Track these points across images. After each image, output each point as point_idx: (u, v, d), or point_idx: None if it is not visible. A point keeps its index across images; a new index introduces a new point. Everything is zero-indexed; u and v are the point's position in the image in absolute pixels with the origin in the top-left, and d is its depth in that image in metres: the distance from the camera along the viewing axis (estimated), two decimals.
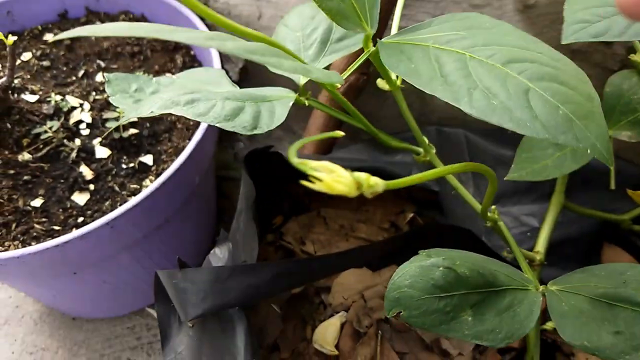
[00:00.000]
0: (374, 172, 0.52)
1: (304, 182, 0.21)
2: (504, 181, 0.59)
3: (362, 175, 0.22)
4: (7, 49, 0.54)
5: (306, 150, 0.65)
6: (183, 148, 0.62)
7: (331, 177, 0.21)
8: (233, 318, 0.40)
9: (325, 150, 0.64)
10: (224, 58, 0.69)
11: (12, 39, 0.54)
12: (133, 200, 0.51)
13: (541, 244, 0.48)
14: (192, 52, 0.70)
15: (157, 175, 0.59)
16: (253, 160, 0.49)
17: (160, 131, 0.63)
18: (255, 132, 0.35)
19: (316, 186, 0.21)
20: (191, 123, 0.64)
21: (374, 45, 0.32)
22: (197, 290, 0.38)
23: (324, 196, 0.58)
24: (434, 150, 0.44)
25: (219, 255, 0.45)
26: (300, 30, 0.44)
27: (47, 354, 0.74)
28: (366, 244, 0.43)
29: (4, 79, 0.57)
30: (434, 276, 0.32)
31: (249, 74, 0.75)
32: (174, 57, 0.69)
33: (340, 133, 0.28)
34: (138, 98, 0.42)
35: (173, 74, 0.68)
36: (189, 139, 0.63)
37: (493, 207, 0.43)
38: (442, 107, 0.66)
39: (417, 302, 0.31)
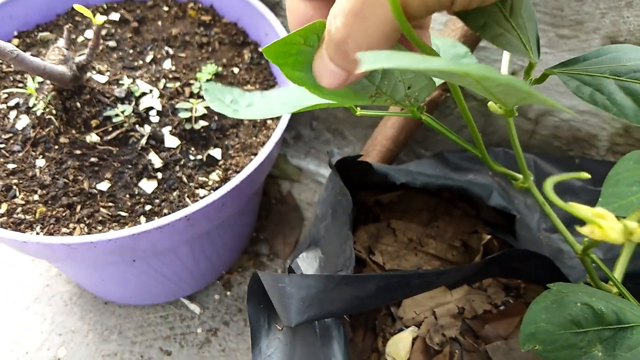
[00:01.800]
0: (456, 191, 0.52)
1: (581, 229, 0.21)
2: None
3: (633, 225, 0.22)
4: (94, 27, 0.53)
5: (369, 158, 0.65)
6: (250, 145, 0.61)
7: (606, 224, 0.21)
8: (330, 327, 0.40)
9: (388, 160, 0.64)
10: None
11: (101, 18, 0.53)
12: (214, 195, 0.51)
13: (617, 277, 0.49)
14: (259, 49, 0.69)
15: (225, 170, 0.59)
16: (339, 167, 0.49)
17: (228, 126, 0.62)
18: None
19: (588, 232, 0.21)
20: (258, 121, 0.64)
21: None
22: (304, 297, 0.38)
23: (394, 208, 0.58)
24: (532, 178, 0.44)
25: (308, 261, 0.44)
26: None
27: (77, 337, 0.73)
28: (461, 265, 0.43)
29: (83, 57, 0.56)
30: (572, 312, 0.32)
31: None
32: (242, 52, 0.69)
33: (586, 175, 0.28)
34: (235, 109, 0.41)
35: (240, 68, 0.67)
36: (255, 136, 0.62)
37: (585, 239, 0.43)
38: (506, 128, 0.66)
39: (553, 337, 0.32)
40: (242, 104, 0.41)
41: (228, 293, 0.76)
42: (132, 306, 0.75)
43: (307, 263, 0.44)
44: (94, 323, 0.74)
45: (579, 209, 0.21)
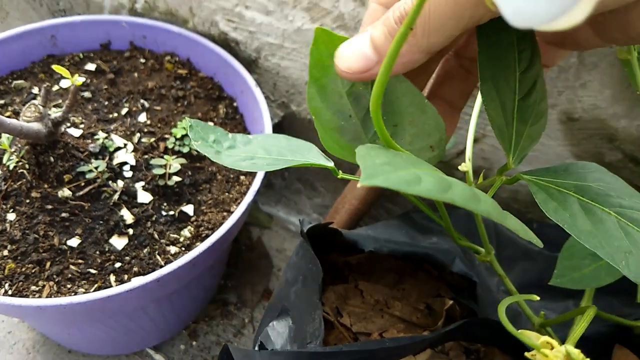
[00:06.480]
0: (420, 258, 0.54)
1: (529, 355, 0.23)
2: (527, 273, 0.63)
3: (575, 351, 0.24)
4: (71, 87, 0.54)
5: (338, 216, 0.67)
6: (223, 201, 0.62)
7: (552, 353, 0.23)
8: None
9: (352, 224, 0.66)
10: None
11: (80, 79, 0.54)
12: (186, 257, 0.52)
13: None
14: (234, 104, 0.71)
15: (197, 227, 0.60)
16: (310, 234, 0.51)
17: (201, 181, 0.63)
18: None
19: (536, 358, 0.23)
20: (231, 176, 0.65)
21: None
22: None
23: (362, 269, 0.60)
24: (493, 252, 0.47)
25: (279, 330, 0.46)
26: None
27: None
28: (428, 335, 0.45)
29: (59, 114, 0.56)
30: None
31: (283, 129, 0.76)
32: (217, 107, 0.70)
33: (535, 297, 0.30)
34: (217, 150, 0.40)
35: (215, 122, 0.69)
36: (228, 192, 0.64)
37: (542, 312, 0.46)
38: None
39: None
40: (225, 145, 0.40)
41: (194, 343, 0.76)
42: (97, 355, 0.74)
43: (278, 333, 0.45)
44: None
45: (529, 337, 0.23)
